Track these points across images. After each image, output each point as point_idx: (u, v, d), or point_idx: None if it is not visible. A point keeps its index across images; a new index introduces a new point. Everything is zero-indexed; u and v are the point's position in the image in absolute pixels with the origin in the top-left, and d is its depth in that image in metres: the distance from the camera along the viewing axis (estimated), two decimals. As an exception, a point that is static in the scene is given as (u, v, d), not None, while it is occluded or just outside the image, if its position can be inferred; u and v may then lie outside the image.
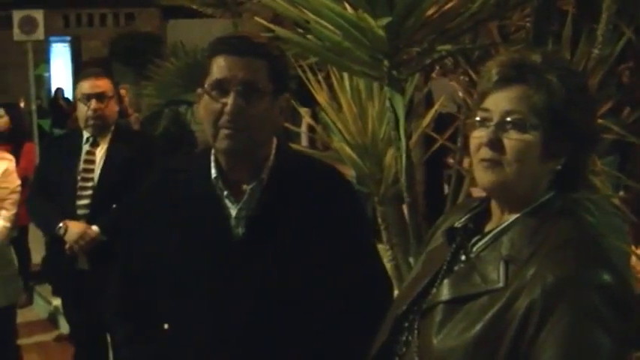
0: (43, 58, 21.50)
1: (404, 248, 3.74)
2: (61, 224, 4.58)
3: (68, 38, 23.58)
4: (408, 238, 3.47)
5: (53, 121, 19.24)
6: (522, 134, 1.78)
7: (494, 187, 1.83)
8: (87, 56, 21.77)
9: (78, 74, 17.68)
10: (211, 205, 2.33)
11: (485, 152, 1.81)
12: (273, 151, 2.36)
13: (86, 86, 4.64)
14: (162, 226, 2.40)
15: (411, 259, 3.63)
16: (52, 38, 21.42)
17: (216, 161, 2.34)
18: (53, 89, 22.54)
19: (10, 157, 5.07)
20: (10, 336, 5.11)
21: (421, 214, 3.60)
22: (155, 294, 2.45)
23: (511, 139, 1.78)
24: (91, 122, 4.64)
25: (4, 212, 4.87)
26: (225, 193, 2.32)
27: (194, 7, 9.95)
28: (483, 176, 1.83)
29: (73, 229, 4.56)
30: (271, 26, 3.14)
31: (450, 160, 7.80)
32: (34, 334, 5.44)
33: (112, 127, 4.72)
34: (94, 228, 4.57)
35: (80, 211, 4.63)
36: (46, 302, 7.61)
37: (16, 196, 4.91)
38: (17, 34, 16.33)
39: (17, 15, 16.24)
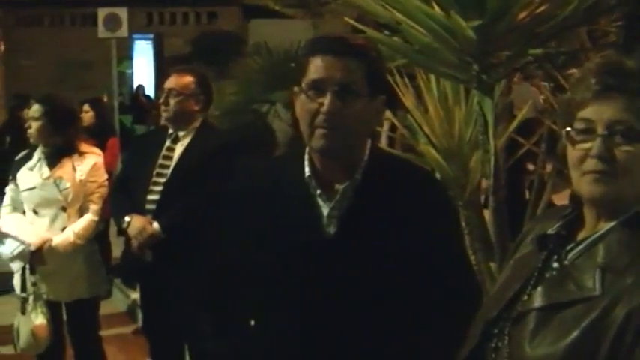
0: (126, 55, 21.79)
1: (486, 253, 3.71)
2: (127, 218, 4.66)
3: (151, 36, 23.84)
4: (490, 244, 3.45)
5: (134, 118, 19.50)
6: (633, 144, 1.75)
7: (607, 198, 1.79)
8: (169, 54, 21.97)
9: (160, 72, 17.83)
10: (303, 203, 2.35)
11: (595, 164, 1.77)
12: (368, 152, 2.37)
13: (169, 81, 4.71)
14: (253, 222, 2.43)
15: (492, 264, 3.60)
16: (135, 35, 21.65)
17: (310, 160, 2.37)
18: (135, 86, 22.83)
19: (99, 152, 5.14)
20: (93, 327, 5.19)
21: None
22: (242, 290, 2.48)
23: (622, 151, 1.75)
24: (168, 117, 4.71)
25: (92, 206, 4.94)
26: (318, 192, 2.34)
27: (276, 7, 10.02)
28: (593, 188, 1.79)
29: (135, 224, 4.63)
30: (360, 26, 3.14)
31: (530, 166, 7.73)
32: (113, 327, 5.53)
33: (196, 125, 4.75)
34: (155, 225, 4.61)
35: (148, 206, 4.69)
36: (125, 295, 7.71)
37: (103, 191, 4.98)
38: (101, 31, 16.61)
39: (102, 13, 16.52)
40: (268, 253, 2.38)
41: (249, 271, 2.44)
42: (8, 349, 6.22)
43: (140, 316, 7.32)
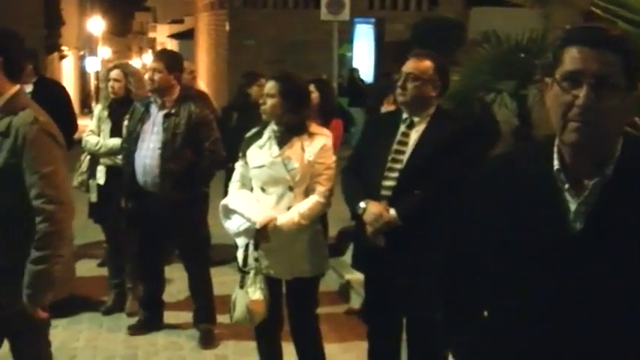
0: (346, 38, 22.03)
1: None
2: (362, 203, 4.64)
3: (372, 20, 23.99)
4: None
5: (350, 101, 19.68)
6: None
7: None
8: (389, 39, 22.04)
9: (380, 56, 17.87)
10: (550, 197, 2.29)
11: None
12: (620, 147, 2.27)
13: (407, 66, 4.67)
14: (496, 213, 2.38)
15: None
16: (356, 19, 21.86)
17: (559, 153, 2.29)
18: (352, 69, 23.04)
19: (328, 132, 5.14)
20: (311, 305, 5.26)
21: None
22: (480, 280, 2.44)
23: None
24: (404, 101, 4.67)
25: (318, 187, 4.95)
26: (566, 186, 2.27)
27: (502, -6, 9.80)
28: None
29: (371, 210, 4.60)
30: (603, 14, 2.99)
31: None
32: (324, 306, 5.58)
33: (431, 111, 4.70)
34: (392, 212, 4.57)
35: (384, 192, 4.64)
36: (339, 275, 7.79)
37: (331, 172, 4.98)
38: (324, 13, 16.85)
39: (324, -5, 16.74)
40: (509, 243, 2.33)
41: (489, 261, 2.40)
42: (226, 318, 6.43)
43: (352, 297, 7.42)
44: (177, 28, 45.97)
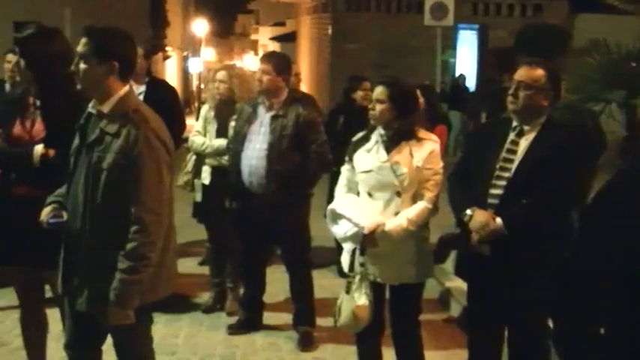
0: (449, 43, 21.90)
1: None
2: (468, 211, 4.59)
3: (475, 26, 23.82)
4: None
5: (449, 107, 19.55)
6: None
7: None
8: (492, 45, 21.84)
9: (482, 62, 17.75)
10: None
11: None
12: None
13: (519, 74, 4.60)
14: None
15: None
16: (460, 25, 21.73)
17: None
18: (457, 75, 22.88)
19: (436, 138, 5.10)
20: (415, 311, 5.22)
21: None
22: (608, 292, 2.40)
23: None
24: (515, 109, 4.60)
25: (426, 193, 4.91)
26: None
27: (609, 2, 9.60)
28: None
29: (477, 218, 4.54)
30: None
31: None
32: (424, 313, 5.53)
33: (542, 120, 4.61)
34: (498, 220, 4.49)
35: (491, 200, 4.58)
36: (439, 283, 7.73)
37: (439, 178, 4.94)
38: (427, 19, 16.77)
39: (429, 0, 16.66)
40: None
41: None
42: (325, 322, 6.44)
43: (452, 305, 7.36)
44: (279, 31, 46.37)
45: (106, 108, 3.89)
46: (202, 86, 32.44)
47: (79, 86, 3.98)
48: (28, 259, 4.70)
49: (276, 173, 6.18)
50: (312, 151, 6.27)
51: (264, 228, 6.39)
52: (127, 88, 3.96)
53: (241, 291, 7.05)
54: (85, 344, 4.24)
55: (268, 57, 6.65)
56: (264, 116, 6.32)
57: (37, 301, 5.13)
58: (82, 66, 3.90)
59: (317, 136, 6.32)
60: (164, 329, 6.69)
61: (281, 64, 6.38)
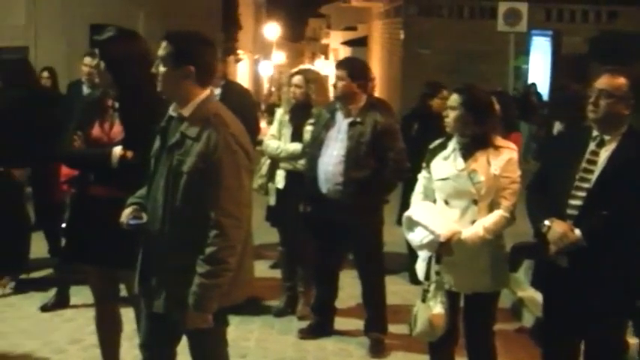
0: (522, 49, 21.72)
1: None
2: (547, 221, 4.50)
3: (549, 32, 23.60)
4: None
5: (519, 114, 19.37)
6: None
7: None
8: (566, 52, 21.63)
9: (556, 69, 17.51)
10: None
11: None
12: None
13: (600, 82, 4.49)
14: None
15: None
16: (533, 31, 21.55)
17: None
18: (529, 82, 22.64)
19: (514, 146, 5.05)
20: (489, 321, 5.18)
21: None
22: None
23: None
24: (596, 118, 4.51)
25: (503, 202, 4.86)
26: None
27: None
28: None
29: (556, 229, 4.45)
30: None
31: None
32: (496, 322, 5.49)
33: (622, 130, 4.51)
34: (577, 232, 4.40)
35: (570, 211, 4.49)
36: (511, 292, 7.64)
37: (516, 187, 4.88)
38: (501, 24, 16.71)
39: (502, 6, 16.61)
40: None
41: None
42: (397, 329, 6.42)
43: (525, 315, 7.27)
44: (350, 35, 46.35)
45: (186, 112, 3.92)
46: (273, 89, 32.67)
47: (158, 88, 4.02)
48: (105, 259, 4.76)
49: (352, 180, 6.17)
50: (389, 159, 6.24)
51: (338, 233, 6.38)
52: (207, 92, 3.99)
53: (313, 295, 7.05)
54: (160, 345, 4.27)
55: (343, 63, 6.63)
56: (341, 122, 6.32)
57: (112, 300, 5.18)
58: (161, 69, 3.96)
59: (395, 143, 6.29)
60: (235, 332, 6.71)
61: (356, 69, 6.37)
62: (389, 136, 6.25)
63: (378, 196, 6.37)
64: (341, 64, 6.55)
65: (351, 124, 6.25)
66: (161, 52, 3.96)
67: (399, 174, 6.35)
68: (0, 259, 7.98)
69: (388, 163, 6.23)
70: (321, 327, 6.82)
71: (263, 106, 29.53)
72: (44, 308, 7.36)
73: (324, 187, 6.31)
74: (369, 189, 6.19)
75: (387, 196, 6.58)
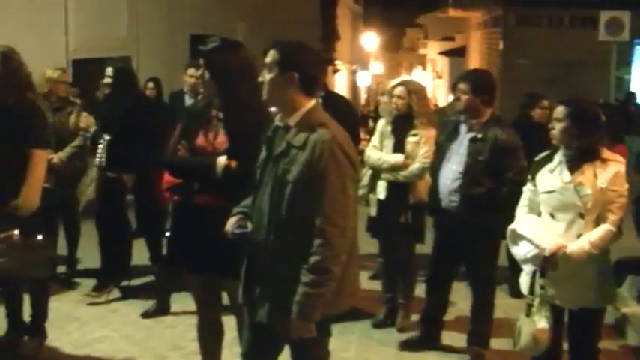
0: (624, 60, 21.29)
1: None
2: None
3: (653, 42, 23.11)
4: None
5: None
6: None
7: None
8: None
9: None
10: None
11: None
12: None
13: None
14: None
15: None
16: (636, 41, 21.11)
17: None
18: (629, 91, 22.17)
19: (622, 159, 4.94)
20: (595, 336, 5.09)
21: None
22: None
23: None
24: None
25: (610, 216, 4.76)
26: None
27: None
28: None
29: None
30: None
31: None
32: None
33: None
34: None
35: None
36: (614, 308, 7.47)
37: (623, 200, 4.77)
38: (602, 34, 16.39)
39: (604, 16, 16.29)
40: None
41: None
42: (497, 343, 6.34)
43: (629, 332, 7.11)
44: (448, 46, 46.09)
45: (292, 121, 3.94)
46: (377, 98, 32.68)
47: (264, 96, 4.05)
48: (209, 267, 4.79)
49: (469, 197, 6.09)
50: (508, 179, 6.01)
51: (454, 246, 6.32)
52: (313, 102, 3.99)
53: (413, 307, 7.00)
54: (262, 355, 4.29)
55: (465, 76, 6.50)
56: (464, 137, 6.22)
57: (215, 308, 5.22)
58: (267, 76, 3.99)
59: (515, 162, 6.06)
60: (335, 342, 6.59)
61: (478, 83, 6.22)
62: (509, 153, 6.06)
63: (493, 214, 6.07)
64: (464, 77, 6.42)
65: (472, 141, 6.14)
66: (268, 59, 4.00)
67: (515, 194, 6.02)
68: (106, 265, 8.18)
69: (506, 183, 6.02)
70: (425, 340, 6.74)
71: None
72: (145, 315, 7.50)
73: (442, 200, 6.27)
74: (484, 207, 6.05)
75: (501, 215, 6.44)
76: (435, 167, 6.41)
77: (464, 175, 6.11)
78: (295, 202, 3.86)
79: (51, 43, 13.44)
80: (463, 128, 6.26)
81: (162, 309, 7.57)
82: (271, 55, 3.98)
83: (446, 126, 6.47)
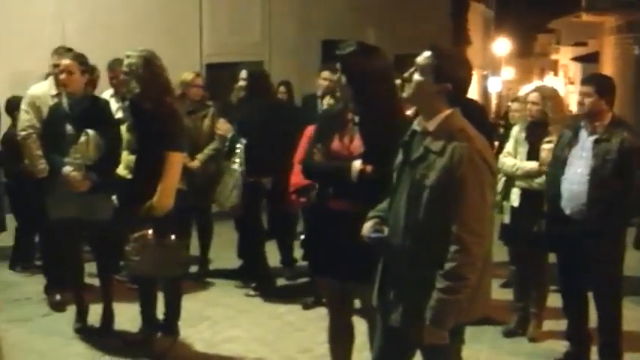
0: None
1: None
2: None
3: None
4: None
5: None
6: None
7: None
8: None
9: None
10: None
11: None
12: None
13: None
14: None
15: None
16: None
17: None
18: None
19: None
20: None
21: None
22: None
23: None
24: None
25: None
26: None
27: None
28: None
29: None
30: None
31: None
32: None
33: None
34: None
35: None
36: None
37: None
38: None
39: None
40: None
41: None
42: (632, 358, 6.17)
43: None
44: (580, 51, 45.08)
45: (431, 126, 3.91)
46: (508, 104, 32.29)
47: (405, 95, 4.02)
48: (342, 272, 4.80)
49: (597, 200, 5.94)
50: (636, 181, 5.93)
51: (580, 255, 6.15)
52: (452, 110, 3.95)
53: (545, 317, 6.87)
54: (393, 359, 4.27)
55: (589, 79, 6.38)
56: (585, 140, 6.10)
57: (347, 312, 5.23)
58: (417, 77, 3.95)
59: None
60: (465, 350, 6.50)
61: (603, 85, 6.13)
62: (636, 155, 5.96)
63: (621, 218, 6.06)
64: (588, 80, 6.30)
65: (597, 142, 6.02)
66: (422, 61, 3.95)
67: None
68: (247, 265, 8.34)
69: (633, 186, 5.94)
70: (575, 357, 6.52)
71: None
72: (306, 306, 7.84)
73: (568, 207, 6.11)
74: (612, 211, 5.92)
75: (630, 220, 6.28)
76: (555, 174, 6.25)
77: (591, 177, 5.96)
78: (432, 207, 3.83)
79: (185, 48, 13.77)
80: (583, 133, 6.14)
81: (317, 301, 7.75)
82: (428, 59, 3.94)
83: (563, 134, 6.33)
